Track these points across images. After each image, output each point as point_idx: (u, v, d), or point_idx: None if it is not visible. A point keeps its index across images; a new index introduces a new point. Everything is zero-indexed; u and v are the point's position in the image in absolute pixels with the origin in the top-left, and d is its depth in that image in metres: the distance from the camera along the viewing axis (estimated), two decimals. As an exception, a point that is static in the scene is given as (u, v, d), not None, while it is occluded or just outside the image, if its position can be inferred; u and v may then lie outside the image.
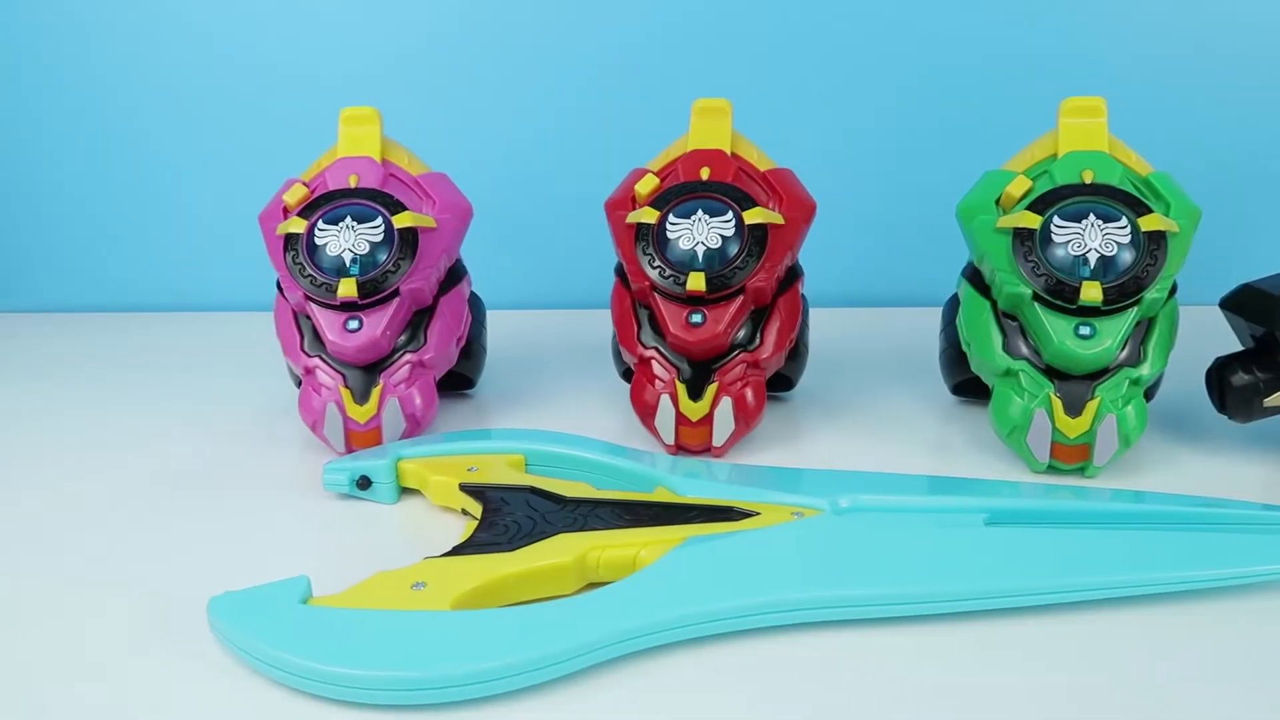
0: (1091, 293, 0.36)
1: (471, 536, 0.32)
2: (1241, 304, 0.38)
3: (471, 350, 0.46)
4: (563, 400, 0.48)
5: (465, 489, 0.35)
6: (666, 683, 0.27)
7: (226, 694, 0.27)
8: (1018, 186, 0.39)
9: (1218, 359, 0.39)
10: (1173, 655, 0.28)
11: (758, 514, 0.33)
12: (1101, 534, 0.32)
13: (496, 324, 0.51)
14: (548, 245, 0.63)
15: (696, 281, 0.39)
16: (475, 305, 0.47)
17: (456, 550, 0.31)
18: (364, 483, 0.37)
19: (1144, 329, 0.38)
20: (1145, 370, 0.38)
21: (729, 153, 0.42)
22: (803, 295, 0.46)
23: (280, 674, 0.27)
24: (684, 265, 0.39)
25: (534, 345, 0.57)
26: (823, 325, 0.52)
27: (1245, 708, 0.26)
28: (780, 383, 0.46)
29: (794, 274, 0.42)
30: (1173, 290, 0.39)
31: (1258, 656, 0.28)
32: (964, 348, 0.41)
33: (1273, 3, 0.59)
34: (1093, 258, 0.37)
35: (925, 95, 0.61)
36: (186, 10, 0.62)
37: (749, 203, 0.40)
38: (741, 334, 0.40)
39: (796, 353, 0.45)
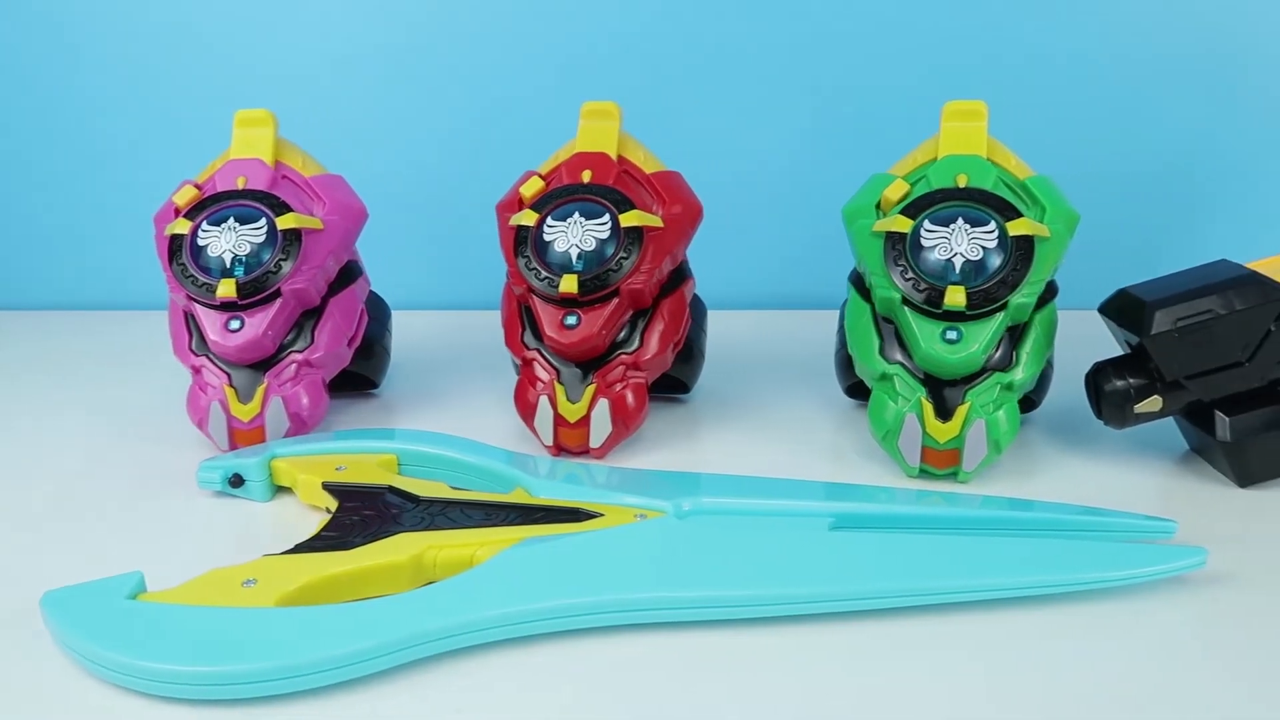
0: (955, 297, 0.36)
1: (316, 534, 0.33)
2: (1116, 309, 0.38)
3: (373, 351, 0.47)
4: (466, 400, 0.48)
5: (328, 487, 0.36)
6: (484, 680, 0.27)
7: (55, 690, 0.27)
8: (895, 190, 0.39)
9: (1095, 364, 0.39)
10: (1013, 659, 0.28)
11: (602, 515, 0.33)
12: (942, 539, 0.32)
13: (407, 324, 0.52)
14: (458, 246, 0.63)
15: (568, 284, 0.39)
16: (377, 307, 0.47)
17: (298, 548, 0.32)
18: (236, 481, 0.38)
19: (1019, 334, 0.38)
20: (1017, 375, 0.38)
21: (614, 155, 0.42)
22: (698, 297, 0.46)
23: (98, 668, 0.27)
24: (558, 268, 0.39)
25: (441, 345, 0.57)
26: (725, 328, 0.52)
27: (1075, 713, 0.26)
28: (676, 386, 0.47)
29: (681, 276, 0.43)
30: (1050, 294, 0.39)
31: (1091, 662, 0.28)
32: (849, 351, 0.41)
33: (1179, 10, 0.59)
34: (958, 262, 0.37)
35: (827, 98, 0.61)
36: (157, 11, 0.63)
37: (627, 205, 0.40)
38: (622, 336, 0.41)
39: (690, 355, 0.45)
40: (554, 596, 0.29)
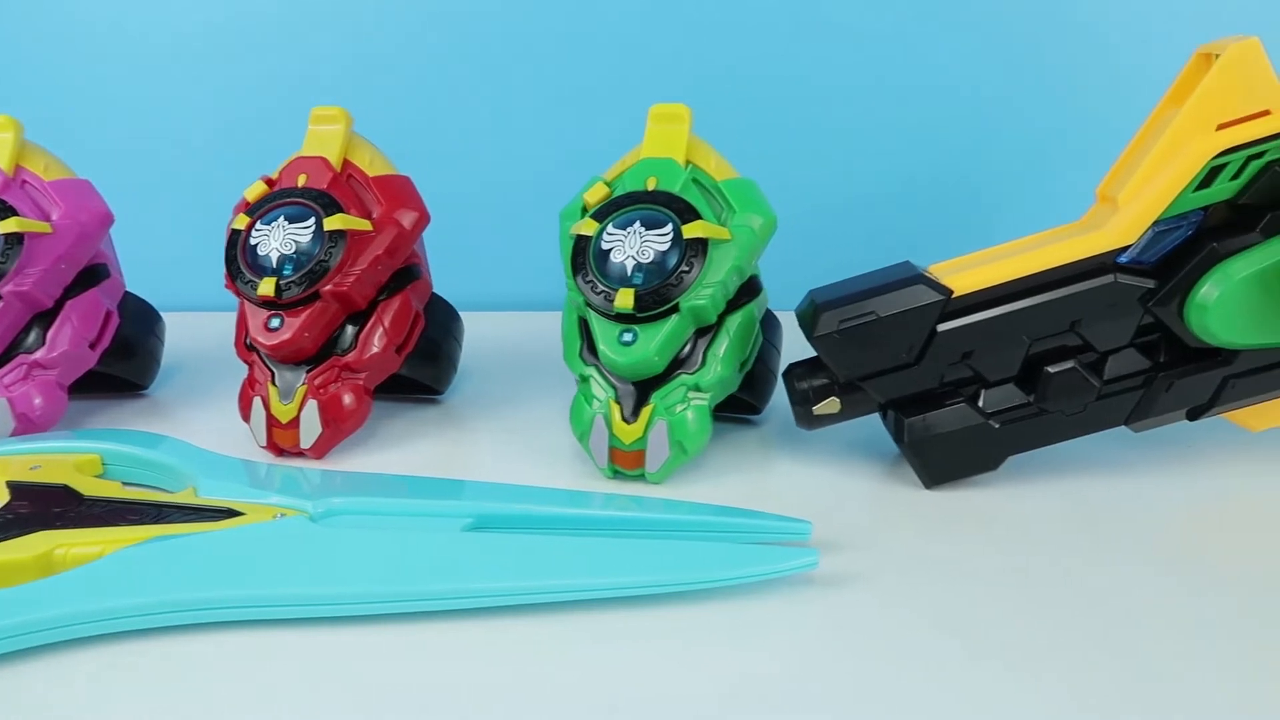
0: (624, 300, 0.36)
1: (-36, 532, 0.33)
2: (801, 312, 0.38)
3: (134, 353, 0.48)
4: (232, 402, 0.49)
5: (10, 485, 0.36)
6: (67, 675, 0.28)
7: None
8: (594, 193, 0.40)
9: (789, 365, 0.39)
10: (624, 655, 0.28)
11: (243, 514, 0.33)
12: (568, 540, 0.32)
13: (194, 326, 0.52)
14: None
15: (265, 287, 0.39)
16: (139, 309, 0.48)
17: (-61, 545, 0.32)
18: (-64, 480, 0.39)
19: (710, 336, 0.38)
20: (704, 377, 0.38)
21: (336, 159, 0.42)
22: (444, 300, 0.46)
23: None
24: (260, 271, 0.40)
25: (221, 347, 0.57)
26: (487, 330, 0.52)
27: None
28: (427, 389, 0.47)
29: (408, 278, 0.43)
30: (748, 296, 0.39)
31: (698, 659, 0.28)
32: (568, 353, 0.41)
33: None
34: (630, 265, 0.37)
35: (573, 102, 0.62)
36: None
37: (334, 209, 0.40)
38: (340, 337, 0.41)
39: (435, 357, 0.46)
40: (153, 593, 0.29)
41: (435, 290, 0.47)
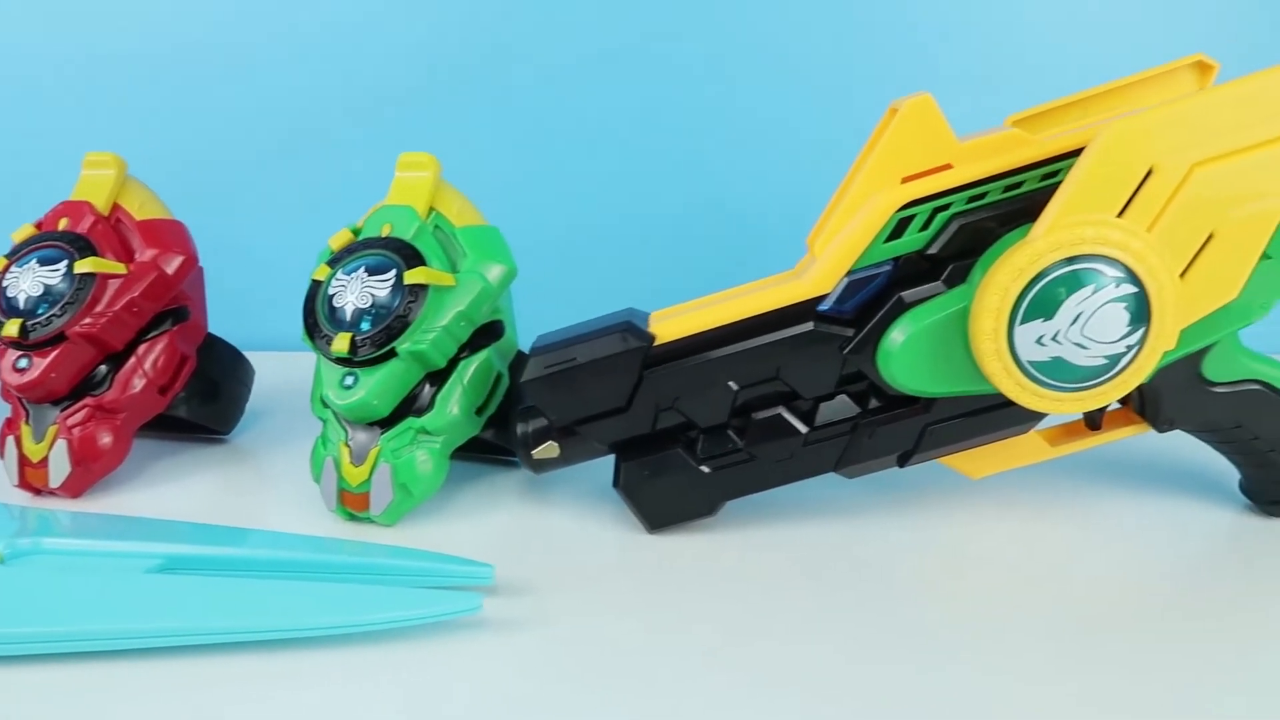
0: (339, 344, 0.37)
1: None
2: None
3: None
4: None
5: None
6: None
7: None
8: (338, 239, 0.40)
9: (520, 407, 0.40)
10: (292, 699, 0.29)
11: (-64, 554, 0.34)
12: (239, 582, 0.32)
13: None
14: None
15: (9, 328, 0.40)
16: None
17: None
18: None
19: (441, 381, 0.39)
20: (433, 421, 0.38)
21: (104, 204, 0.43)
22: (221, 340, 0.47)
23: None
24: (10, 312, 0.41)
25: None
26: (291, 370, 0.53)
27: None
28: (206, 429, 0.48)
29: (174, 320, 0.44)
30: (487, 341, 0.40)
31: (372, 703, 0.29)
32: (324, 396, 0.42)
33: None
34: (350, 310, 0.38)
35: (370, 145, 0.64)
36: None
37: (89, 251, 0.41)
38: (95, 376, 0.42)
39: (215, 397, 0.46)
40: None
41: (230, 332, 0.48)
